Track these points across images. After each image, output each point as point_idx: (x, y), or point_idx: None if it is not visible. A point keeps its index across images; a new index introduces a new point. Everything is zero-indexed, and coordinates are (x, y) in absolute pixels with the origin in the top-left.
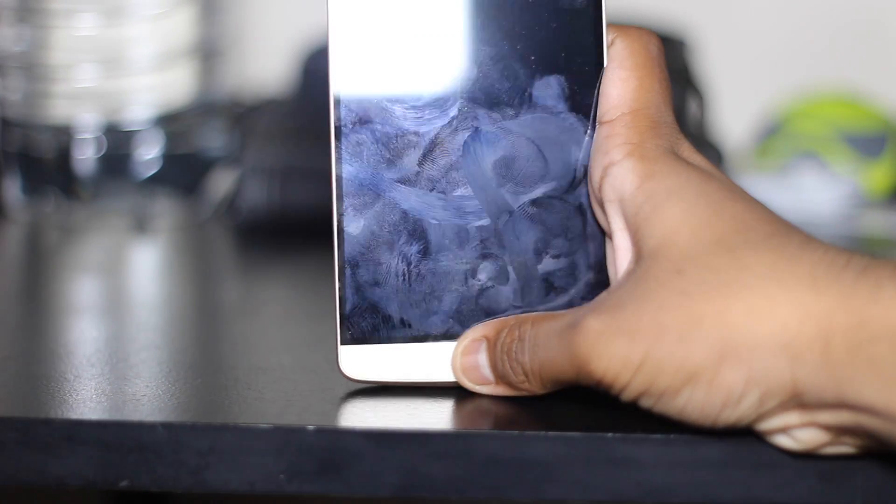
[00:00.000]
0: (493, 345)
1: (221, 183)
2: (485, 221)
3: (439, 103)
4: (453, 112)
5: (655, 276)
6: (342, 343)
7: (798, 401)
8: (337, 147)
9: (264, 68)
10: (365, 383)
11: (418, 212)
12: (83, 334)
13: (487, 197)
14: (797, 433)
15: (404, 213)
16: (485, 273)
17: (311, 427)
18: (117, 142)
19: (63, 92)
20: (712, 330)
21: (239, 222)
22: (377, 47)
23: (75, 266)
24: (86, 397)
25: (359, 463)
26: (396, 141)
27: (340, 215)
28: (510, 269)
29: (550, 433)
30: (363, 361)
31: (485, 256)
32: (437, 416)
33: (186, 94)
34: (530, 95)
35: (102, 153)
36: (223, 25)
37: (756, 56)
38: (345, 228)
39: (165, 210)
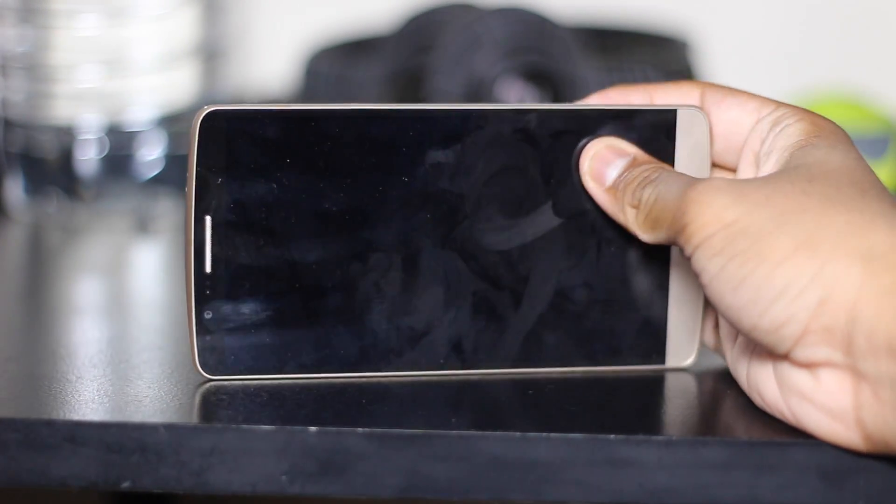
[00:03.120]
0: (636, 164)
1: None
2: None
3: None
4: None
5: (788, 175)
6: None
7: (848, 331)
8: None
9: (266, 69)
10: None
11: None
12: (85, 335)
13: None
14: (825, 375)
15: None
16: None
17: (312, 428)
18: (120, 142)
19: (65, 92)
20: (808, 222)
21: None
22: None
23: (77, 266)
24: (88, 398)
25: (360, 464)
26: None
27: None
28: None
29: (552, 434)
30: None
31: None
32: (438, 417)
33: (189, 94)
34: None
35: (105, 154)
36: (226, 26)
37: (758, 58)
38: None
39: (167, 210)
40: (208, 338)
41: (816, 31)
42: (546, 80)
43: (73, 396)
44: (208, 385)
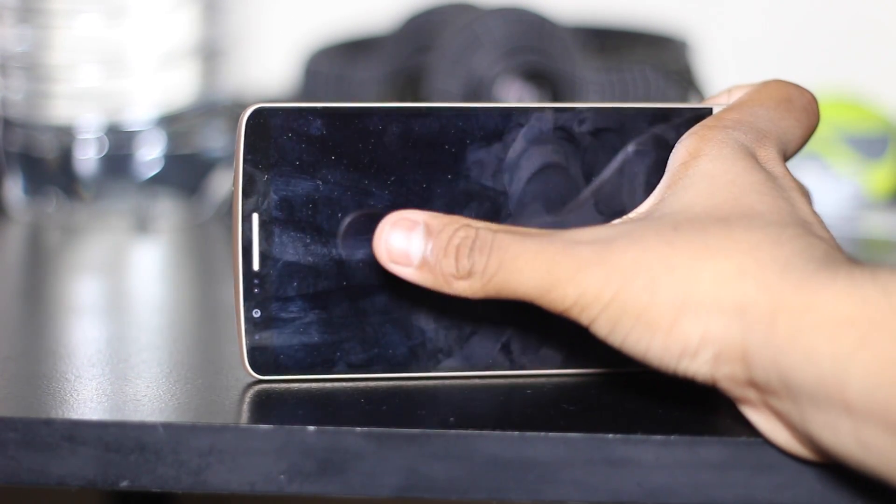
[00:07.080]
0: (434, 233)
1: (223, 183)
2: None
3: None
4: None
5: (653, 226)
6: None
7: (749, 376)
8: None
9: (266, 69)
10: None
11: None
12: (84, 334)
13: None
14: (755, 414)
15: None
16: None
17: (311, 428)
18: (119, 142)
19: (65, 92)
20: (680, 282)
21: None
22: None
23: (76, 266)
24: (87, 397)
25: (359, 464)
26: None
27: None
28: None
29: (551, 434)
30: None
31: None
32: (437, 416)
33: (188, 94)
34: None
35: (104, 153)
36: (225, 26)
37: (757, 58)
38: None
39: (167, 210)
40: (257, 337)
41: (816, 31)
42: (545, 80)
43: (71, 395)
44: (207, 384)
